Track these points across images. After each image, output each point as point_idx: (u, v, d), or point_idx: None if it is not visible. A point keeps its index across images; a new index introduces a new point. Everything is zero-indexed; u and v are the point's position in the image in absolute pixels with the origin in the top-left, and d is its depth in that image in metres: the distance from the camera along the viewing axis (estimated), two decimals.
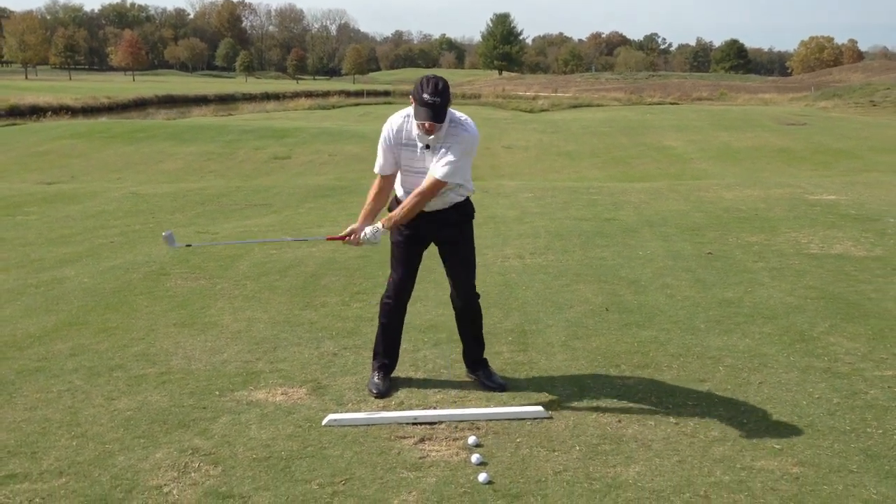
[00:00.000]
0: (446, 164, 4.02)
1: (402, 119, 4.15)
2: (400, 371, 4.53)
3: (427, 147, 4.09)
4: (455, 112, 4.13)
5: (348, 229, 4.20)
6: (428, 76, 4.01)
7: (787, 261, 7.28)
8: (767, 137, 27.53)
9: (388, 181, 4.26)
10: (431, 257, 7.27)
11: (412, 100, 3.99)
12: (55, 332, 5.38)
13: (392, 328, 4.43)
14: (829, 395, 4.18)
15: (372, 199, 4.25)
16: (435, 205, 4.19)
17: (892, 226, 8.96)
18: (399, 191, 4.30)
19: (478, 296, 4.43)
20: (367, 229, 4.15)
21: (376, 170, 4.25)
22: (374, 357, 4.47)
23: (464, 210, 4.32)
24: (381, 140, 4.19)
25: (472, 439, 3.68)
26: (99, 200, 12.47)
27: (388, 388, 4.30)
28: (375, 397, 4.21)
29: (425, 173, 4.10)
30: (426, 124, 3.96)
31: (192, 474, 3.39)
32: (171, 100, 62.64)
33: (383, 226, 4.15)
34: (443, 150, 4.05)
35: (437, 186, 4.06)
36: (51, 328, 5.48)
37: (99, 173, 20.42)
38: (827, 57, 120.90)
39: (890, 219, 9.42)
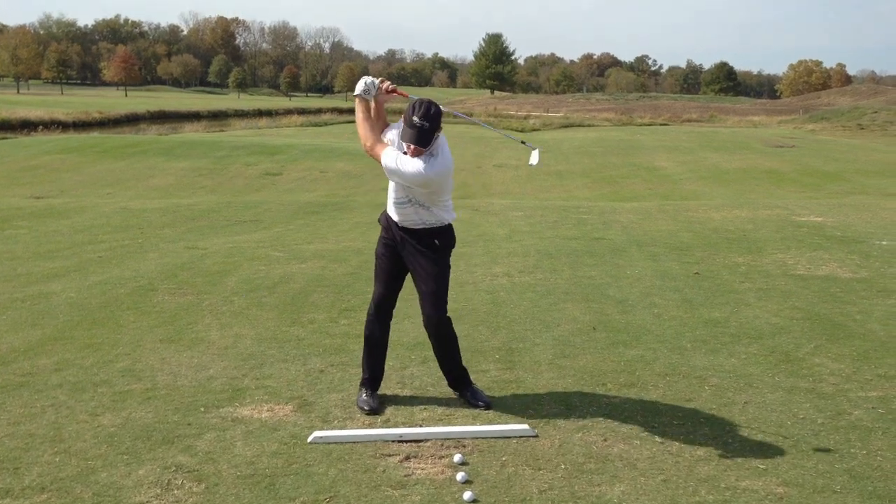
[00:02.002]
0: (394, 160, 4.06)
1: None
2: (386, 388, 4.52)
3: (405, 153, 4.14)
4: (443, 143, 4.13)
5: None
6: (422, 99, 4.04)
7: (774, 281, 7.32)
8: (756, 159, 27.75)
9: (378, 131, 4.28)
10: None
11: (403, 119, 4.03)
12: (40, 347, 5.35)
13: (372, 341, 4.43)
14: (814, 416, 4.20)
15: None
16: (411, 220, 4.21)
17: (878, 248, 9.03)
18: (389, 202, 4.31)
19: (447, 321, 4.35)
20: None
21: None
22: (361, 371, 4.49)
23: (444, 238, 4.29)
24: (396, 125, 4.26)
25: (457, 457, 3.67)
26: (88, 215, 12.43)
27: (378, 404, 4.29)
28: (367, 414, 4.20)
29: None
30: (411, 147, 4.00)
31: (176, 491, 3.37)
32: (163, 115, 62.73)
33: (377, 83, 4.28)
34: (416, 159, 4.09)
35: (372, 151, 4.18)
36: (36, 343, 5.45)
37: (89, 188, 20.38)
38: (815, 80, 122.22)
39: (876, 241, 9.50)
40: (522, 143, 4.86)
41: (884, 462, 3.66)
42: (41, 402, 4.36)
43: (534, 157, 4.51)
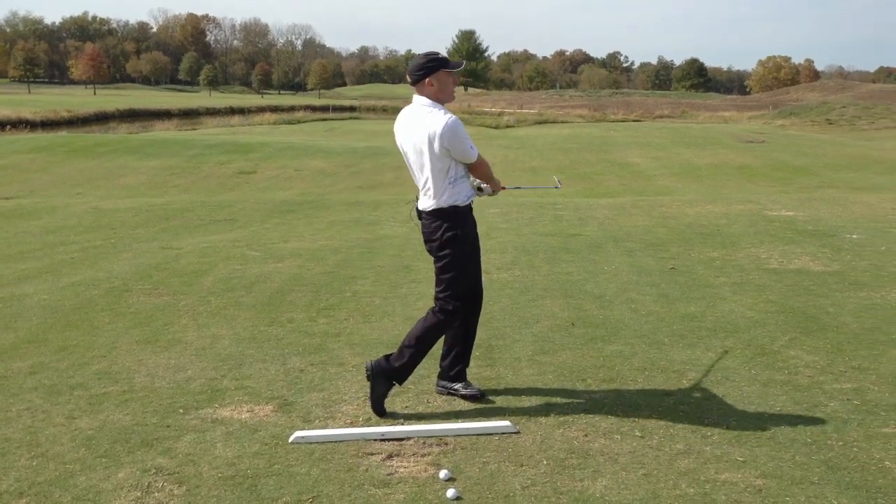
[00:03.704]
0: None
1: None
2: (366, 386, 4.50)
3: None
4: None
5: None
6: (421, 53, 4.16)
7: (748, 275, 7.41)
8: (727, 154, 28.07)
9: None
10: (397, 272, 7.26)
11: (442, 70, 4.09)
12: (13, 350, 5.27)
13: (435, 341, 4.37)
14: (791, 408, 4.26)
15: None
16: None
17: (849, 241, 9.18)
18: (466, 187, 4.23)
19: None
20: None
21: (477, 152, 4.21)
22: (407, 374, 4.29)
23: None
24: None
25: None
26: (59, 215, 12.25)
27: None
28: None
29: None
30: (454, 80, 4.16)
31: (156, 494, 3.33)
32: (133, 114, 62.01)
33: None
34: None
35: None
36: (9, 346, 5.37)
37: (59, 188, 20.09)
38: (784, 76, 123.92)
39: (846, 234, 9.65)
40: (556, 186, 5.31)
41: (860, 453, 3.72)
42: (16, 405, 4.29)
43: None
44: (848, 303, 6.41)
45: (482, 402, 4.34)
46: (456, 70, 4.14)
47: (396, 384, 4.27)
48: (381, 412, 4.16)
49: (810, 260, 8.11)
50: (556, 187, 5.24)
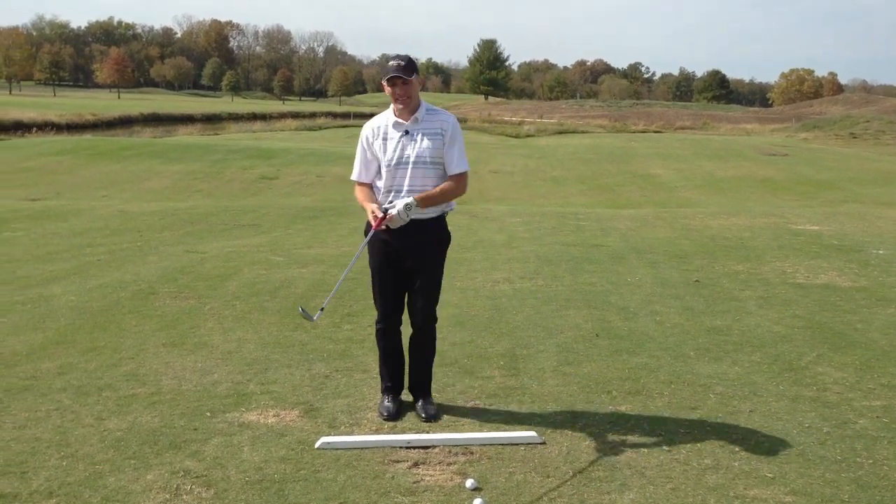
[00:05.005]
0: (460, 154, 4.18)
1: (381, 117, 4.24)
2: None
3: (406, 133, 4.12)
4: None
5: (375, 212, 4.04)
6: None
7: (774, 290, 7.35)
8: (750, 167, 27.88)
9: (368, 188, 4.25)
10: None
11: (383, 79, 4.10)
12: (42, 351, 5.33)
13: (389, 352, 4.40)
14: (819, 425, 4.21)
15: (367, 195, 4.22)
16: (423, 212, 4.10)
17: (875, 257, 9.08)
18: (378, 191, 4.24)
19: (435, 320, 4.35)
20: (399, 205, 3.97)
21: (353, 176, 4.27)
22: (381, 380, 4.48)
23: (442, 229, 4.27)
24: (360, 143, 4.22)
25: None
26: (85, 218, 12.39)
27: (397, 409, 4.29)
28: (385, 419, 4.20)
29: (405, 164, 4.09)
30: (398, 87, 4.02)
31: (185, 497, 3.36)
32: (157, 118, 62.64)
33: (416, 201, 3.99)
34: (435, 139, 4.11)
35: (465, 178, 4.25)
36: (38, 346, 5.43)
37: (85, 190, 20.32)
38: (807, 89, 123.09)
39: (873, 250, 9.54)
40: None
41: (890, 471, 3.67)
42: (46, 405, 4.34)
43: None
44: (876, 319, 6.34)
45: (508, 411, 4.33)
46: (385, 78, 4.09)
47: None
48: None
49: (837, 275, 8.03)
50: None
